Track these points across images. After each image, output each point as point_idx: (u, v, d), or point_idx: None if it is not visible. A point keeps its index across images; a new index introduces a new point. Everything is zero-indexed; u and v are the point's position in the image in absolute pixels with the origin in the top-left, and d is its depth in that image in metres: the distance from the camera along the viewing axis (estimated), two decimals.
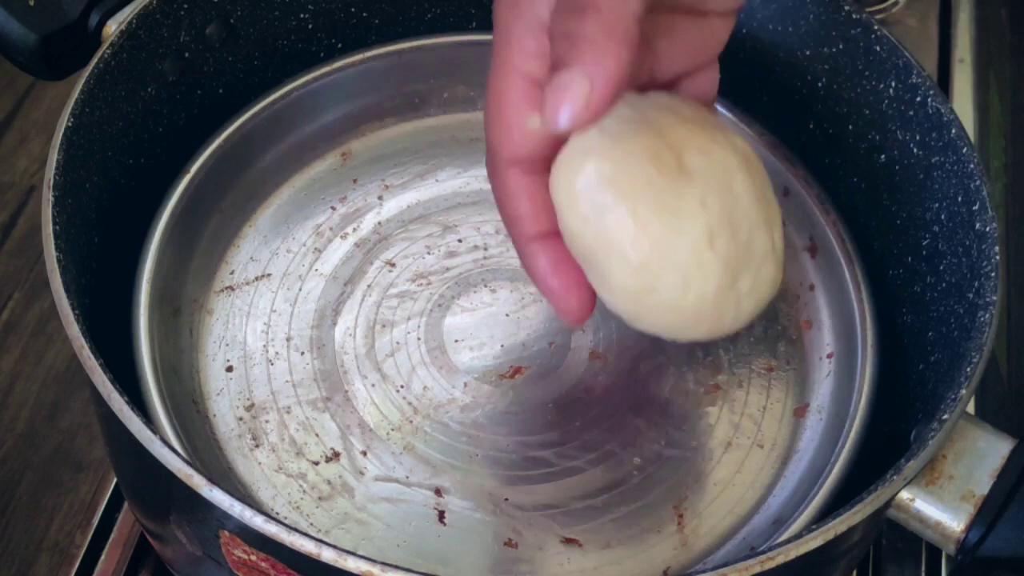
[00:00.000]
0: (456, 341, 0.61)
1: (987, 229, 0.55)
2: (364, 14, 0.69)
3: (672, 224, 0.46)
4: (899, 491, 0.49)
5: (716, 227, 0.47)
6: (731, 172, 0.48)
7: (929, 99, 0.60)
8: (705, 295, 0.47)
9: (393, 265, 0.64)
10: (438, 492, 0.57)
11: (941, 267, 0.58)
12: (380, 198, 0.67)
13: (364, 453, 0.58)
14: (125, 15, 0.60)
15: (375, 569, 0.44)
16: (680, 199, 0.47)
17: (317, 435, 0.58)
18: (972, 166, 0.57)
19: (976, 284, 0.55)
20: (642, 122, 0.48)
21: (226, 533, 0.47)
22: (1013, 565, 0.50)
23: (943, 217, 0.59)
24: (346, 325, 0.62)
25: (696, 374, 0.61)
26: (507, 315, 0.63)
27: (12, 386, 0.73)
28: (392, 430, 0.58)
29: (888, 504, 0.50)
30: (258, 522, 0.45)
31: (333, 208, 0.66)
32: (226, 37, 0.65)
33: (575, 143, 0.48)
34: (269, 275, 0.63)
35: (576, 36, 0.42)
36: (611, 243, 0.47)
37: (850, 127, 0.64)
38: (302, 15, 0.67)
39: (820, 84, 0.65)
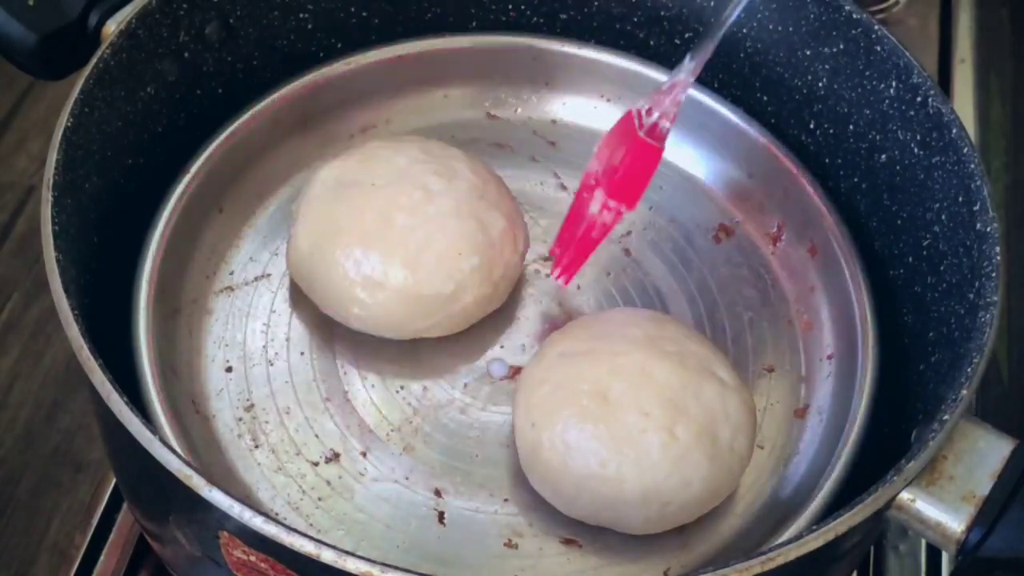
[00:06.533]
0: None
1: (988, 229, 0.55)
2: (364, 14, 0.69)
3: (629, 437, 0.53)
4: (899, 492, 0.49)
5: (669, 422, 0.53)
6: (647, 366, 0.54)
7: (930, 99, 0.60)
8: (690, 479, 0.53)
9: None
10: (438, 493, 0.57)
11: (942, 267, 0.58)
12: None
13: (364, 454, 0.58)
14: (125, 15, 0.60)
15: (375, 569, 0.44)
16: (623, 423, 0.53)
17: (317, 436, 0.58)
18: (973, 166, 0.57)
19: (977, 284, 0.55)
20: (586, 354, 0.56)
21: (225, 534, 0.47)
22: (1013, 565, 0.50)
23: (944, 217, 0.59)
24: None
25: None
26: (507, 315, 0.62)
27: (11, 386, 0.73)
28: (392, 431, 0.58)
29: (889, 505, 0.50)
30: (257, 523, 0.45)
31: None
32: (225, 37, 0.65)
33: (533, 368, 0.57)
34: (269, 275, 0.63)
35: None
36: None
37: (850, 127, 0.64)
38: (302, 15, 0.67)
39: (820, 84, 0.65)
